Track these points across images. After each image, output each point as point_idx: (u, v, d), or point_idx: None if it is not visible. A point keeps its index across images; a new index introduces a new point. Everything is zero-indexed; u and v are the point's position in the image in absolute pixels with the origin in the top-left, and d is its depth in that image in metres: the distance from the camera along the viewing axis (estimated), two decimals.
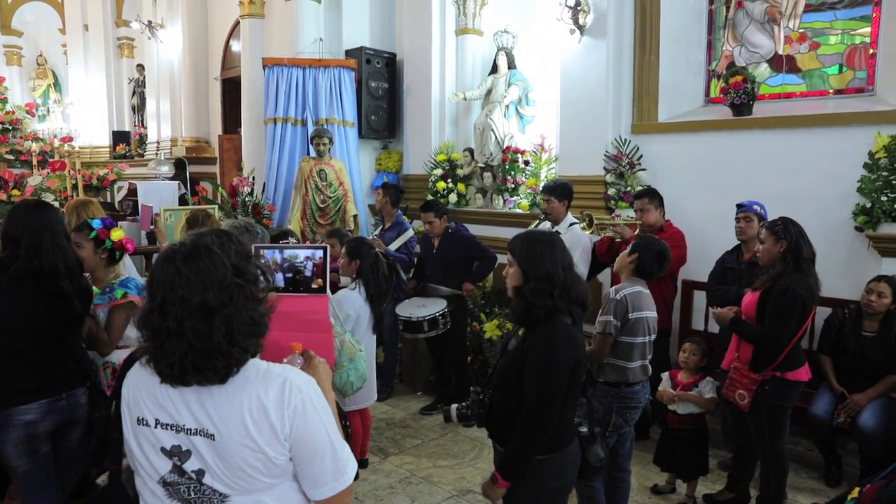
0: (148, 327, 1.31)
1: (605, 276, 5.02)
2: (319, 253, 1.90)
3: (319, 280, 1.87)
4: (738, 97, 4.64)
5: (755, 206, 3.95)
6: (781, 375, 3.16)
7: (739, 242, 4.06)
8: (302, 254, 1.89)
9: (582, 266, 4.33)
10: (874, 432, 3.46)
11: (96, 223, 2.76)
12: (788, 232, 3.16)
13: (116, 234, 2.78)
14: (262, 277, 1.40)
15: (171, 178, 8.18)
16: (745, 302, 3.34)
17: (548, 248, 2.21)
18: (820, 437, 3.78)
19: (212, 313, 1.27)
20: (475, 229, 5.70)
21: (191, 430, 1.32)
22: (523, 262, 2.20)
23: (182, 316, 1.27)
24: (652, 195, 4.35)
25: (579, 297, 2.21)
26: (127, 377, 1.43)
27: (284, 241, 3.22)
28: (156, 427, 1.35)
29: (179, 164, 8.69)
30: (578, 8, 5.08)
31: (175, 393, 1.33)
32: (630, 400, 3.03)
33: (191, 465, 1.34)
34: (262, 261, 1.52)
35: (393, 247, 5.12)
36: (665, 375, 3.66)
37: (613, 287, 3.13)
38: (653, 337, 3.06)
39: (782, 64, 4.87)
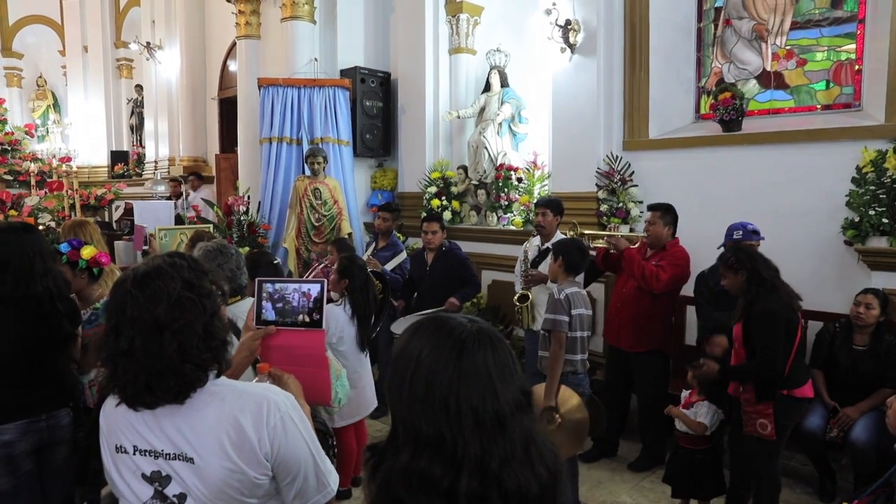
0: (104, 351, 1.33)
1: (597, 292, 5.04)
2: (309, 286, 1.86)
3: (307, 316, 1.85)
4: (727, 113, 4.69)
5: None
6: (789, 393, 3.14)
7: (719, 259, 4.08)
8: (292, 286, 1.88)
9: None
10: (866, 446, 3.45)
11: (64, 247, 2.76)
12: (741, 261, 3.19)
13: (87, 252, 2.76)
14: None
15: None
16: (734, 335, 3.33)
17: (442, 363, 0.96)
18: (813, 452, 3.78)
19: (162, 329, 1.28)
20: (469, 246, 5.73)
21: (169, 454, 1.33)
22: (392, 399, 1.00)
23: (132, 335, 1.28)
24: (665, 211, 4.24)
25: (522, 490, 0.93)
26: (104, 406, 1.44)
27: (275, 262, 3.23)
28: (134, 454, 1.36)
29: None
30: (569, 27, 5.15)
31: (151, 418, 1.35)
32: (577, 387, 3.34)
33: (172, 490, 1.35)
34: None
35: (388, 267, 5.13)
36: (685, 393, 3.58)
37: (556, 288, 3.39)
38: (588, 333, 3.43)
39: (770, 80, 4.92)
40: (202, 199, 8.02)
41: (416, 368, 0.96)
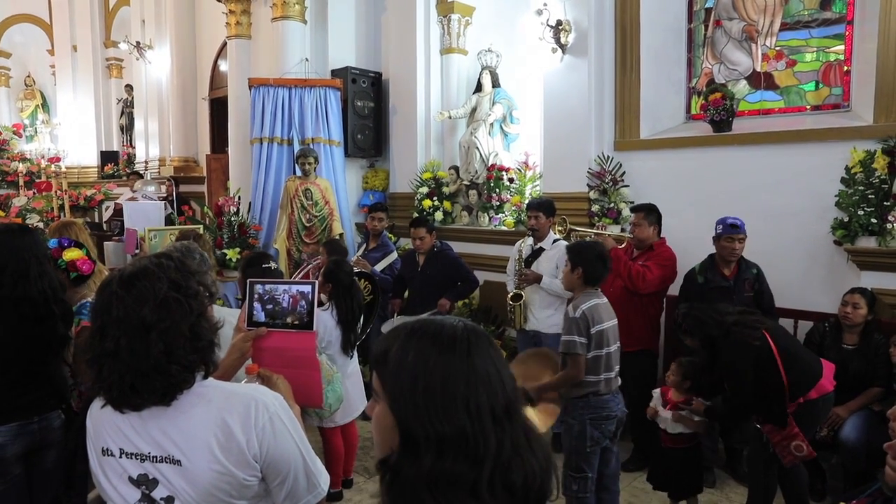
0: (89, 351, 1.32)
1: None
2: (300, 288, 1.85)
3: (298, 318, 1.83)
4: (717, 114, 4.71)
5: (744, 227, 3.92)
6: (805, 400, 3.08)
7: (709, 256, 4.10)
8: (282, 287, 1.87)
9: None
10: (856, 445, 3.47)
11: (52, 242, 2.74)
12: (690, 328, 3.19)
13: (69, 255, 2.72)
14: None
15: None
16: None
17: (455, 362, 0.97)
18: None
19: (148, 329, 1.27)
20: (461, 247, 5.73)
21: (156, 457, 1.32)
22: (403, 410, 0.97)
23: (118, 336, 1.27)
24: (648, 211, 4.27)
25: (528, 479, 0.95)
26: (91, 409, 1.42)
27: (266, 265, 3.19)
28: (120, 457, 1.35)
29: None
30: (560, 27, 5.16)
31: (137, 421, 1.33)
32: (602, 409, 3.08)
33: (159, 493, 1.34)
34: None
35: (378, 268, 5.12)
36: (656, 392, 3.59)
37: (570, 304, 3.14)
38: (615, 347, 3.13)
39: (760, 81, 4.95)
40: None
41: (430, 375, 0.95)
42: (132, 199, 8.08)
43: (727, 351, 3.08)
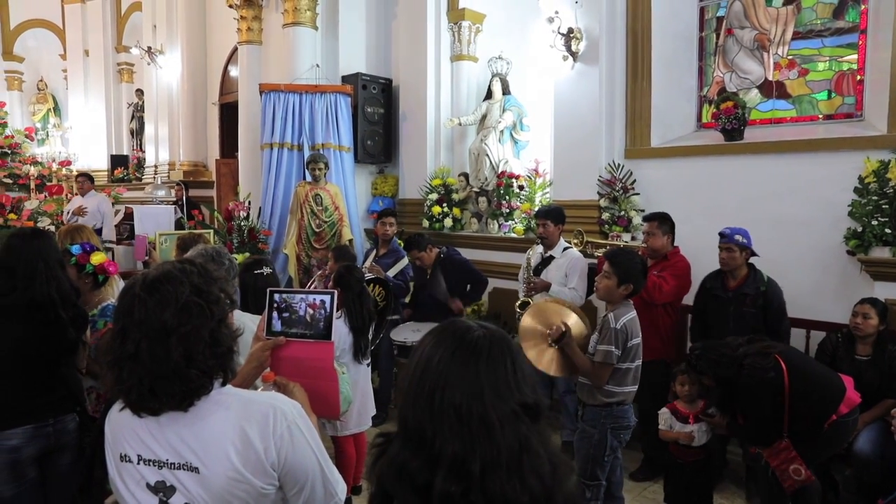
0: (110, 354, 1.32)
1: (600, 301, 5.02)
2: (318, 297, 1.84)
3: (316, 327, 1.83)
4: (729, 122, 4.69)
5: (737, 237, 3.86)
6: (838, 416, 3.01)
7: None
8: (299, 296, 1.86)
9: (580, 290, 4.35)
10: (870, 457, 3.43)
11: (75, 248, 2.76)
12: (708, 370, 3.11)
13: (97, 258, 2.76)
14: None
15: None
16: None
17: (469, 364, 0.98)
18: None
19: (169, 333, 1.28)
20: (470, 253, 5.72)
21: (174, 464, 1.32)
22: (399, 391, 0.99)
23: (139, 338, 1.28)
24: (662, 220, 4.23)
25: (508, 499, 0.92)
26: (109, 415, 1.42)
27: (258, 270, 3.18)
28: (138, 463, 1.35)
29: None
30: (571, 35, 5.16)
31: (155, 427, 1.33)
32: (623, 419, 3.09)
33: (177, 501, 1.33)
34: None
35: (390, 274, 5.12)
36: (664, 414, 3.48)
37: (611, 313, 3.06)
38: (640, 361, 3.12)
39: (772, 90, 4.93)
40: (84, 206, 7.73)
41: (416, 362, 1.02)
42: (80, 208, 7.92)
43: (743, 386, 3.02)
